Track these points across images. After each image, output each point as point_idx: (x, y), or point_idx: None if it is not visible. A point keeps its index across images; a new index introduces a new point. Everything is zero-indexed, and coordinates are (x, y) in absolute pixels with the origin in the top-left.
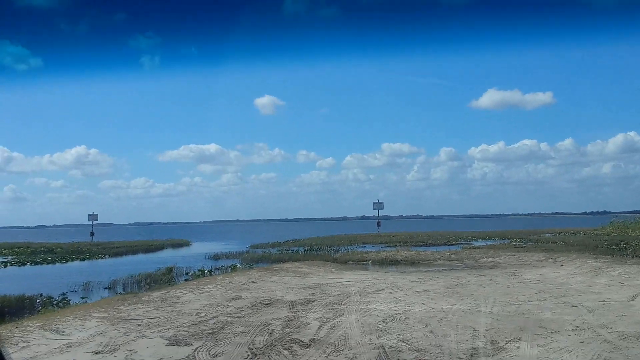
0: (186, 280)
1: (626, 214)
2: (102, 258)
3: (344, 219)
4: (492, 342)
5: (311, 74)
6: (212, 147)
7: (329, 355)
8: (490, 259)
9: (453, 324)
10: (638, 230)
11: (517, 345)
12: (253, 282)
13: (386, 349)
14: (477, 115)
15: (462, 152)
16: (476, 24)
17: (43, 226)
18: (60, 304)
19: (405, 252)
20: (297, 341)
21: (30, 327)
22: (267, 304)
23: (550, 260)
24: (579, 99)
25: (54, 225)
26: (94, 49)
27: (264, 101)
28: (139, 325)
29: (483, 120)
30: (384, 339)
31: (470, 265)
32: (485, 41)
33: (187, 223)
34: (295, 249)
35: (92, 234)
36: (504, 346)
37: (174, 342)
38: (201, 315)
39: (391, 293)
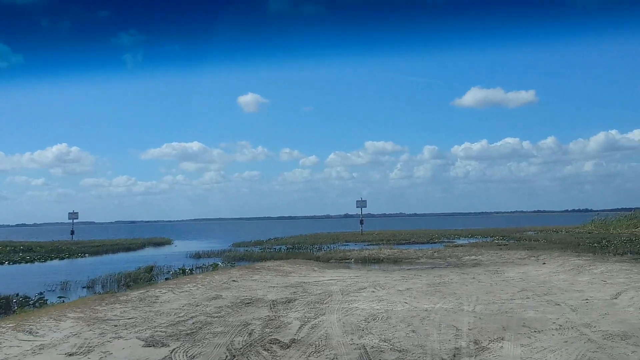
0: (166, 279)
1: (607, 212)
2: (82, 257)
3: (327, 217)
4: (475, 342)
5: (295, 72)
6: (195, 145)
7: (309, 356)
8: (472, 257)
9: (435, 323)
10: (619, 228)
11: (500, 345)
12: (234, 281)
13: (368, 349)
14: (460, 113)
15: (445, 150)
16: (459, 22)
17: (23, 225)
18: (36, 304)
19: (388, 250)
20: (277, 341)
21: (3, 327)
22: (248, 303)
23: (533, 258)
24: (561, 97)
25: (35, 223)
26: (76, 46)
27: (247, 99)
28: (116, 325)
29: (466, 118)
30: (365, 339)
31: (452, 264)
32: (469, 39)
33: (170, 221)
34: (277, 247)
35: (72, 232)
36: (487, 346)
37: (151, 343)
38: (180, 315)
39: (373, 292)
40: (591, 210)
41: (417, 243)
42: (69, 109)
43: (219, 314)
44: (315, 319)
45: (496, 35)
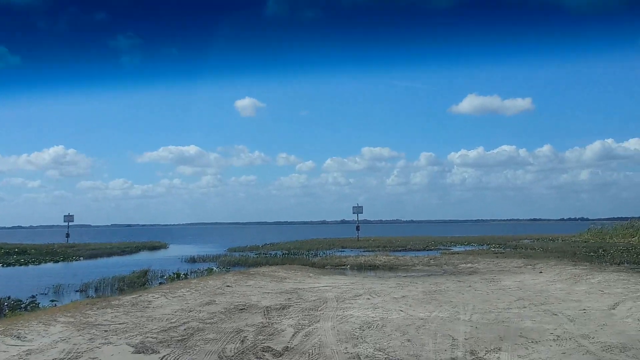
0: (160, 283)
1: (603, 221)
2: (77, 260)
3: (324, 222)
4: (472, 352)
5: (292, 77)
6: (192, 149)
7: None
8: (469, 265)
9: (431, 332)
10: (616, 238)
11: (497, 355)
12: (228, 286)
13: (362, 358)
14: (457, 120)
15: (441, 157)
16: (457, 30)
17: (19, 227)
18: (28, 308)
19: (384, 257)
20: (270, 349)
21: None
22: (242, 309)
23: (529, 266)
24: (557, 105)
25: (30, 226)
26: (74, 48)
27: (244, 103)
28: (106, 331)
29: (463, 125)
30: (359, 348)
31: (449, 271)
32: (466, 47)
33: (166, 225)
34: (273, 252)
35: (67, 235)
36: (484, 356)
37: (141, 349)
38: (172, 321)
39: (369, 299)
40: (587, 219)
41: (414, 250)
42: (66, 111)
43: (212, 320)
44: (309, 326)
45: (493, 43)
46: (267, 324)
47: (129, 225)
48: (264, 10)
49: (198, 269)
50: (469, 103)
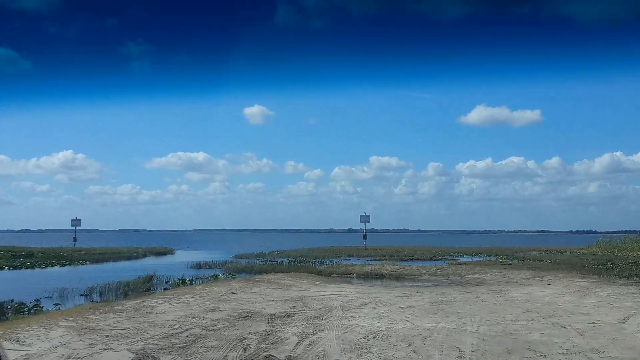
0: (165, 289)
1: (612, 234)
2: (83, 264)
3: (331, 231)
4: None
5: (301, 85)
6: (201, 156)
7: None
8: (476, 276)
9: (437, 343)
10: (624, 251)
11: None
12: (233, 293)
13: None
14: (465, 131)
15: (450, 167)
16: (467, 41)
17: (28, 230)
18: (32, 311)
19: (391, 266)
20: (273, 358)
21: None
22: (246, 316)
23: (537, 278)
24: (566, 117)
25: (39, 229)
26: (84, 54)
27: (253, 111)
28: (107, 336)
29: (471, 136)
30: (364, 358)
31: (456, 282)
32: (476, 58)
33: (173, 231)
34: (279, 260)
35: (74, 239)
36: None
37: (141, 356)
38: (174, 327)
39: (374, 308)
40: (595, 232)
41: (420, 260)
42: (75, 116)
43: (215, 327)
44: (313, 335)
45: (503, 54)
46: (270, 332)
47: (136, 231)
48: (274, 18)
49: (203, 275)
50: (478, 114)
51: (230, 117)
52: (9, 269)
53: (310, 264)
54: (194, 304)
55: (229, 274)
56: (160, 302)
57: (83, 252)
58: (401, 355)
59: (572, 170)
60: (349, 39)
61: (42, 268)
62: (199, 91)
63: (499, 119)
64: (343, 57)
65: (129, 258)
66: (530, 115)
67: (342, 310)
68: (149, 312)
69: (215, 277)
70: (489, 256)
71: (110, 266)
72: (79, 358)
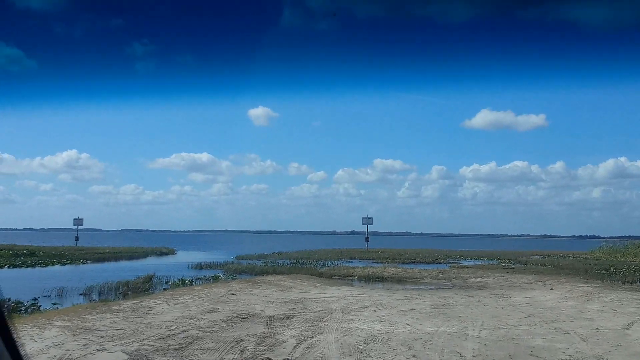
0: (164, 289)
1: (615, 239)
2: (84, 263)
3: (333, 233)
4: None
5: (305, 88)
6: (204, 156)
7: None
8: (478, 279)
9: (438, 348)
10: (628, 256)
11: None
12: (232, 294)
13: None
14: (469, 134)
15: (453, 170)
16: (472, 44)
17: (31, 229)
18: (28, 310)
19: (393, 269)
20: None
21: None
22: (244, 318)
23: (540, 283)
24: (571, 122)
25: (42, 228)
26: (89, 53)
27: (257, 112)
28: (102, 337)
29: (475, 140)
30: None
31: (458, 285)
32: (481, 62)
33: (176, 231)
34: (281, 261)
35: (76, 238)
36: None
37: (135, 357)
38: (171, 328)
39: (375, 311)
40: (599, 237)
41: (422, 263)
42: (80, 116)
43: (212, 329)
44: (312, 337)
45: (508, 59)
46: (269, 334)
47: (139, 231)
48: (279, 20)
49: (204, 276)
50: (482, 118)
51: (234, 118)
52: (8, 267)
53: (312, 266)
54: (193, 305)
55: (230, 274)
56: (159, 302)
57: (84, 252)
58: (401, 359)
59: (576, 175)
60: (354, 41)
61: (43, 267)
62: (203, 92)
63: (503, 123)
64: (348, 60)
65: (130, 258)
66: (535, 119)
67: (342, 312)
68: (146, 313)
69: (216, 278)
70: (492, 260)
71: (111, 266)
72: (71, 359)
